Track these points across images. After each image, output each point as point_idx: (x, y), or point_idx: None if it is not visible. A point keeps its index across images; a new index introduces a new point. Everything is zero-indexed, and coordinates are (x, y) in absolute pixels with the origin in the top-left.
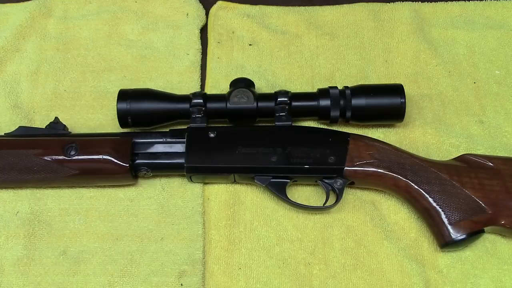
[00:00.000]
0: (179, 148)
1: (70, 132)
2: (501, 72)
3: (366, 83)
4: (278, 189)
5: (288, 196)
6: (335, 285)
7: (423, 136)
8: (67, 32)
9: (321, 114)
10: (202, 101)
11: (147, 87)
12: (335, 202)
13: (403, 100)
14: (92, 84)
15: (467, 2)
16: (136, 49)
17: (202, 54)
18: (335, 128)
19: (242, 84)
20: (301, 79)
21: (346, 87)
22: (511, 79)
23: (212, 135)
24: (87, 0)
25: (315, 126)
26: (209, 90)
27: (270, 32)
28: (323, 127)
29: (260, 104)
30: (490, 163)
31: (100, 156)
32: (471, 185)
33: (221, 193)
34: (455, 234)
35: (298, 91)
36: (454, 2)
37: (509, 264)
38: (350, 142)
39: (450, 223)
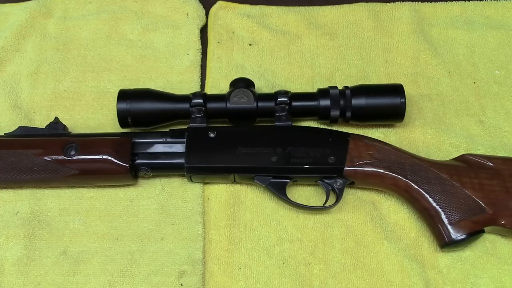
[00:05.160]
0: (179, 148)
1: (70, 132)
2: (501, 72)
3: (366, 83)
4: (278, 189)
5: (288, 196)
6: (335, 285)
7: (423, 136)
8: (67, 32)
9: (321, 114)
10: (202, 101)
11: (147, 87)
12: (335, 202)
13: (403, 100)
14: (92, 84)
15: (467, 2)
16: (136, 49)
17: (202, 54)
18: (335, 128)
19: (242, 84)
20: (301, 79)
21: (346, 87)
22: (511, 79)
23: (212, 135)
24: (87, 0)
25: (315, 126)
26: (209, 90)
27: (270, 32)
28: (323, 127)
29: (260, 104)
30: (490, 163)
31: (100, 156)
32: (471, 185)
33: (221, 193)
34: (455, 234)
35: (298, 91)
36: (454, 2)
37: (509, 264)
38: (350, 142)
39: (450, 223)
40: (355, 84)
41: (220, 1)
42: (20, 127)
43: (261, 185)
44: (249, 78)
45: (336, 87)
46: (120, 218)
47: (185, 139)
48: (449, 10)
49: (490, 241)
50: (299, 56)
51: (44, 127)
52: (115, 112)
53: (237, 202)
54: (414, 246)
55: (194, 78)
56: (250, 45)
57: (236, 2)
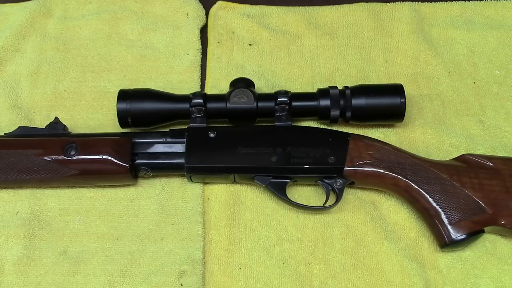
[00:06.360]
0: (179, 148)
1: (70, 132)
2: (501, 72)
3: (366, 83)
4: (278, 189)
5: (288, 196)
6: (335, 285)
7: (423, 136)
8: (67, 32)
9: (321, 114)
10: (202, 101)
11: (147, 87)
12: (335, 202)
13: (403, 100)
14: (92, 84)
15: (467, 2)
16: (136, 49)
17: (202, 54)
18: (335, 128)
19: (242, 84)
20: (301, 79)
21: (346, 87)
22: (511, 79)
23: (212, 135)
24: (87, 0)
25: (315, 126)
26: (209, 90)
27: (270, 32)
28: (323, 127)
29: (260, 104)
30: (490, 163)
31: (100, 156)
32: (471, 185)
33: (221, 193)
34: (455, 234)
35: (298, 91)
36: (454, 2)
37: (509, 264)
38: (350, 142)
39: (450, 223)
40: (355, 84)
41: (220, 1)
42: (20, 127)
43: (261, 185)
44: (249, 78)
45: (336, 87)
46: (120, 218)
47: (185, 139)
48: (449, 10)
49: (490, 241)
50: (299, 56)
51: (44, 127)
52: (115, 112)
53: (237, 202)
54: (414, 246)
55: (194, 78)
56: (250, 45)
57: (236, 2)
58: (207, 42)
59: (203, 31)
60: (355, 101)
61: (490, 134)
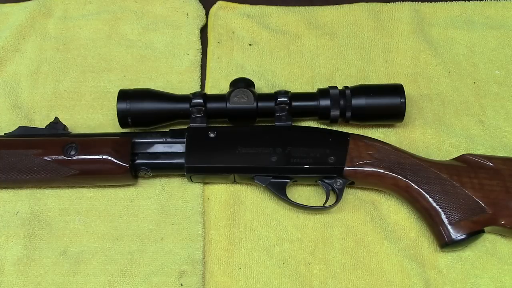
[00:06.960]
0: (179, 148)
1: (70, 132)
2: (501, 72)
3: (366, 83)
4: (278, 189)
5: (288, 196)
6: (335, 285)
7: (423, 136)
8: (67, 32)
9: (321, 114)
10: (202, 101)
11: (147, 87)
12: (335, 202)
13: (403, 100)
14: (92, 84)
15: (467, 2)
16: (136, 49)
17: (202, 54)
18: (335, 128)
19: (242, 84)
20: (301, 79)
21: (346, 87)
22: (511, 79)
23: (212, 135)
24: (87, 0)
25: (315, 126)
26: (209, 90)
27: (270, 32)
28: (323, 127)
29: (260, 104)
30: (490, 163)
31: (100, 156)
32: (471, 185)
33: (221, 193)
34: (455, 234)
35: (298, 91)
36: (454, 2)
37: (509, 264)
38: (350, 142)
39: (450, 223)
40: (355, 84)
41: (220, 1)
42: (20, 127)
43: (261, 185)
44: (249, 78)
45: (336, 87)
46: (120, 218)
47: (185, 139)
48: (449, 10)
49: (490, 241)
50: (299, 56)
51: (44, 127)
52: (115, 112)
53: (237, 202)
54: (414, 246)
55: (194, 78)
56: (250, 45)
57: (236, 2)
58: (207, 42)
59: (203, 31)
60: (355, 101)
61: (490, 134)
